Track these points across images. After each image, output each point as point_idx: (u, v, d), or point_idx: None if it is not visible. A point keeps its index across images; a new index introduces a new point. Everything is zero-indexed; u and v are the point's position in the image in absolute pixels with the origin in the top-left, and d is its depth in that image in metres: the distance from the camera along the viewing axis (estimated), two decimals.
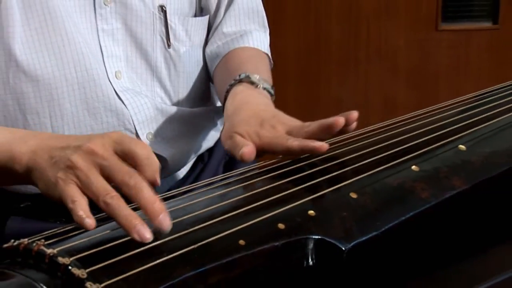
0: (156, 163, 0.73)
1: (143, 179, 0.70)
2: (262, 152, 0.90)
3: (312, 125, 0.88)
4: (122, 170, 0.70)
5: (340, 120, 0.85)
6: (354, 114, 0.86)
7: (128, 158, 0.72)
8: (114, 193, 0.69)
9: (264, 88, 1.05)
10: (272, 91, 1.06)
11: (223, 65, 1.17)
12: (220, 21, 1.20)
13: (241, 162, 0.88)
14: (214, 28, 1.20)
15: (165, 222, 0.66)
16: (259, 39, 1.21)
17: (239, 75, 1.06)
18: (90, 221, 0.68)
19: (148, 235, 0.65)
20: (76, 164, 0.71)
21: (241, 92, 1.03)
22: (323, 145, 0.83)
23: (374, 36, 2.76)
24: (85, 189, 0.70)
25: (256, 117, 0.94)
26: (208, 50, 1.20)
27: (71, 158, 0.72)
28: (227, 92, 1.05)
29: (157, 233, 0.66)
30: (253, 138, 0.90)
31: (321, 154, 0.84)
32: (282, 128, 0.91)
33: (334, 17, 2.74)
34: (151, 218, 0.67)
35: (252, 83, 1.05)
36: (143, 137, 1.09)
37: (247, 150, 0.87)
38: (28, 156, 0.77)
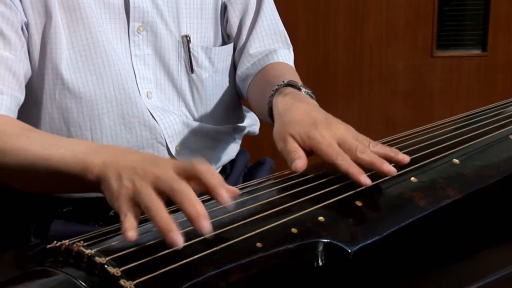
0: (216, 173, 0.71)
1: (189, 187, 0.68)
2: (311, 153, 0.84)
3: (366, 156, 0.80)
4: (171, 180, 0.69)
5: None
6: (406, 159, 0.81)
7: (192, 177, 0.70)
8: (156, 199, 0.67)
9: (306, 93, 0.98)
10: (314, 97, 0.99)
11: (258, 81, 1.13)
12: (245, 43, 1.17)
13: (260, 173, 0.85)
14: (240, 50, 1.17)
15: (206, 226, 0.65)
16: (284, 55, 1.17)
17: (283, 81, 1.00)
18: (130, 234, 0.65)
19: (180, 241, 0.63)
20: (138, 187, 0.69)
21: (290, 93, 0.96)
22: (366, 182, 0.77)
23: (376, 62, 2.75)
24: (136, 200, 0.68)
25: (308, 117, 0.87)
26: (239, 72, 1.17)
27: (136, 182, 0.69)
28: (272, 95, 0.98)
29: (184, 236, 0.65)
30: (305, 140, 0.83)
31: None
32: (333, 134, 0.83)
33: (340, 45, 2.73)
34: (192, 219, 0.65)
35: (297, 87, 0.98)
36: (172, 149, 1.09)
37: (301, 164, 0.81)
38: (99, 167, 0.74)
